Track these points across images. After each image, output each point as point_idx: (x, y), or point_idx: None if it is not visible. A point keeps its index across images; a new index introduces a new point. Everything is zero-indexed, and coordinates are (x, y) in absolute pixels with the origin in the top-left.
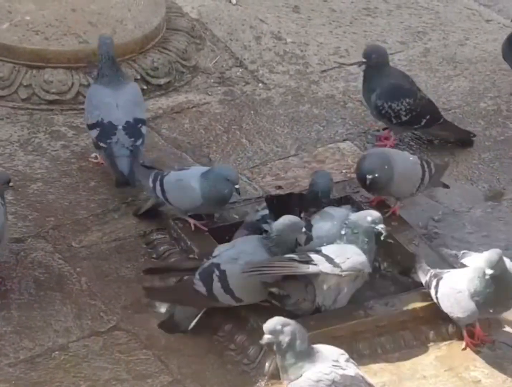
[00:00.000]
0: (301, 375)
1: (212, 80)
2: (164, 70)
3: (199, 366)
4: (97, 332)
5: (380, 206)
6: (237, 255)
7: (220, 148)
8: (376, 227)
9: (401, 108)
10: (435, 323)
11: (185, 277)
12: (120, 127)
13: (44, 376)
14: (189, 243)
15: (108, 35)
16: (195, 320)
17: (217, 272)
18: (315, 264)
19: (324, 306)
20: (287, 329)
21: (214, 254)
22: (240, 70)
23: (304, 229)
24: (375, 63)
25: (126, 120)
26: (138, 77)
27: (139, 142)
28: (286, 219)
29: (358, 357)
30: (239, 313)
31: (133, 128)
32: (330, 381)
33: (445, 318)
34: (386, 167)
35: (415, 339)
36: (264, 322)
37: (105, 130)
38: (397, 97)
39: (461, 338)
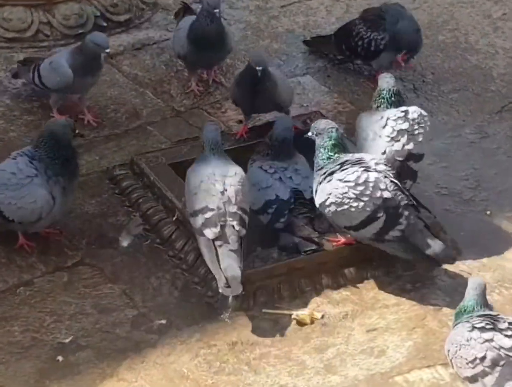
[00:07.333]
0: None
1: (172, 17)
2: (124, 6)
3: (164, 300)
4: (62, 267)
5: None
6: None
7: (181, 84)
8: None
9: None
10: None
11: None
12: None
13: (9, 311)
14: (151, 178)
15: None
16: None
17: None
18: None
19: None
20: None
21: None
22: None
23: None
24: None
25: None
26: (98, 14)
27: None
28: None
29: (321, 287)
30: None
31: None
32: None
33: None
34: None
35: (377, 270)
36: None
37: None
38: None
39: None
